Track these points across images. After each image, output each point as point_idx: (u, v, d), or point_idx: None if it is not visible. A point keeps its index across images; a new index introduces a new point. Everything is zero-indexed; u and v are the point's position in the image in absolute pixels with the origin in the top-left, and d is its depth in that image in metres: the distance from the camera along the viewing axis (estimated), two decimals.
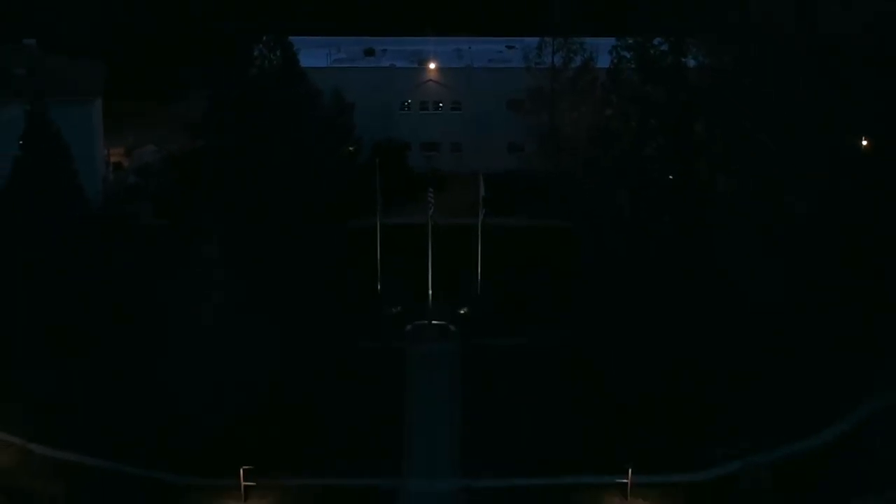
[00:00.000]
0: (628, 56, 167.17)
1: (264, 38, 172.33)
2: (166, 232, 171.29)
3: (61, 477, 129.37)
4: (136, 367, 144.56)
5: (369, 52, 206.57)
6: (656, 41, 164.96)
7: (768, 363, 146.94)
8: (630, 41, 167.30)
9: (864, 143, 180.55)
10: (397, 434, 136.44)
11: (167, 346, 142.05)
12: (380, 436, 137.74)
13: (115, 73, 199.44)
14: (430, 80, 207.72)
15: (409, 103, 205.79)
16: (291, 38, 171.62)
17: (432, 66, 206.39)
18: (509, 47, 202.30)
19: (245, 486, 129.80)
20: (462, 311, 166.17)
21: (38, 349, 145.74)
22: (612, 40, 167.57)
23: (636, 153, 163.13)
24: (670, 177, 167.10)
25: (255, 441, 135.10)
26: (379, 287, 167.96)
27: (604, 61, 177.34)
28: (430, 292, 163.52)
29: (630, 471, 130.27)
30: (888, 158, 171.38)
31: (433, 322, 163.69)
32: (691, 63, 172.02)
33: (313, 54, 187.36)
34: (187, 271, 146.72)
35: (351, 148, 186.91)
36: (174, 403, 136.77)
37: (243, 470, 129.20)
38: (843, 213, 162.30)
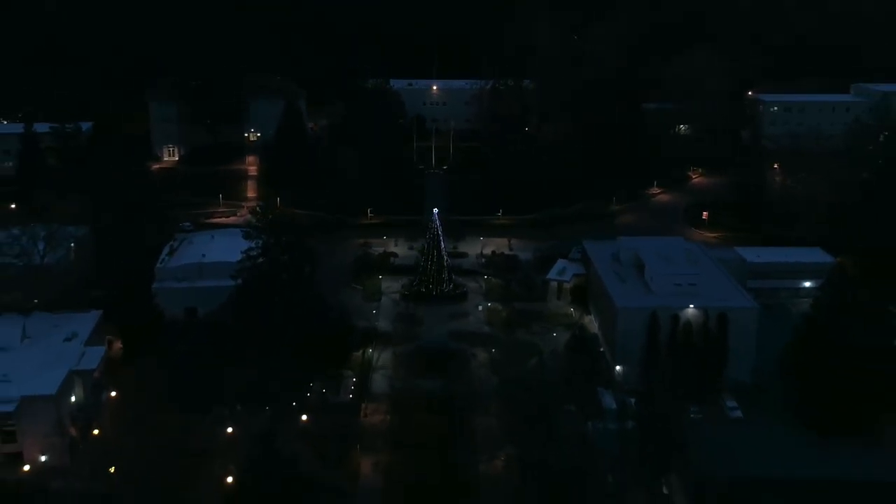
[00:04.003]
0: (510, 83, 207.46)
1: (372, 78, 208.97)
2: (331, 147, 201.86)
3: (305, 219, 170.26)
4: (319, 188, 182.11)
5: (409, 84, 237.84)
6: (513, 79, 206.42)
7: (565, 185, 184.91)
8: (506, 80, 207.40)
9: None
10: (421, 202, 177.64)
11: (333, 181, 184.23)
12: (416, 202, 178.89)
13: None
14: (435, 93, 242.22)
15: (425, 102, 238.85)
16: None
17: (435, 87, 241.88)
18: (466, 82, 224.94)
19: (370, 216, 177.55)
20: (444, 168, 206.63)
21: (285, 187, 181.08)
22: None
23: (511, 121, 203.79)
24: (526, 129, 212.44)
25: (371, 202, 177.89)
26: (415, 160, 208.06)
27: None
28: (433, 162, 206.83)
29: (501, 211, 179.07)
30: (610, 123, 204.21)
31: (434, 170, 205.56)
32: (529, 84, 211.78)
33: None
34: (344, 158, 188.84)
35: (401, 120, 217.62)
36: (342, 194, 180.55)
37: (368, 210, 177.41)
38: (593, 140, 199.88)
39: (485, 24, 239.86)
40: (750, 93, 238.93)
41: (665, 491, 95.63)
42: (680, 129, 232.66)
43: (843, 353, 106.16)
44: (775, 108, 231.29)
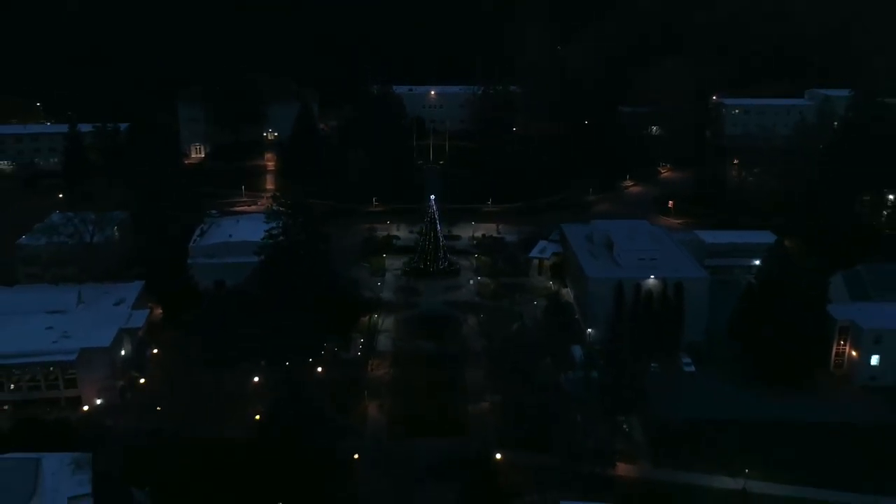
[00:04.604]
0: (499, 88, 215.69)
1: (378, 84, 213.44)
2: (338, 143, 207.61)
3: (318, 208, 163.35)
4: (330, 181, 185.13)
5: (410, 89, 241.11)
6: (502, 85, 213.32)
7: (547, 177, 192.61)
8: (496, 85, 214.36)
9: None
10: (421, 190, 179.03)
11: (342, 174, 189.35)
12: (412, 190, 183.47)
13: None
14: (433, 97, 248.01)
15: (424, 105, 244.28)
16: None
17: (433, 92, 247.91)
18: (460, 87, 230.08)
19: (375, 205, 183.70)
20: (441, 162, 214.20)
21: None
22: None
23: (498, 120, 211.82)
24: (514, 129, 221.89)
25: (376, 192, 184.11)
26: (415, 156, 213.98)
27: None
28: (431, 158, 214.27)
29: (490, 200, 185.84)
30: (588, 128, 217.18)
31: (432, 165, 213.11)
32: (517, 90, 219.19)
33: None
34: (352, 154, 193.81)
35: (402, 121, 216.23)
36: (350, 186, 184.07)
37: (374, 199, 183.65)
38: (573, 138, 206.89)
39: (478, 37, 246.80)
40: (714, 97, 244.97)
41: (625, 428, 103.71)
42: (652, 130, 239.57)
43: (779, 316, 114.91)
44: (736, 111, 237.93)
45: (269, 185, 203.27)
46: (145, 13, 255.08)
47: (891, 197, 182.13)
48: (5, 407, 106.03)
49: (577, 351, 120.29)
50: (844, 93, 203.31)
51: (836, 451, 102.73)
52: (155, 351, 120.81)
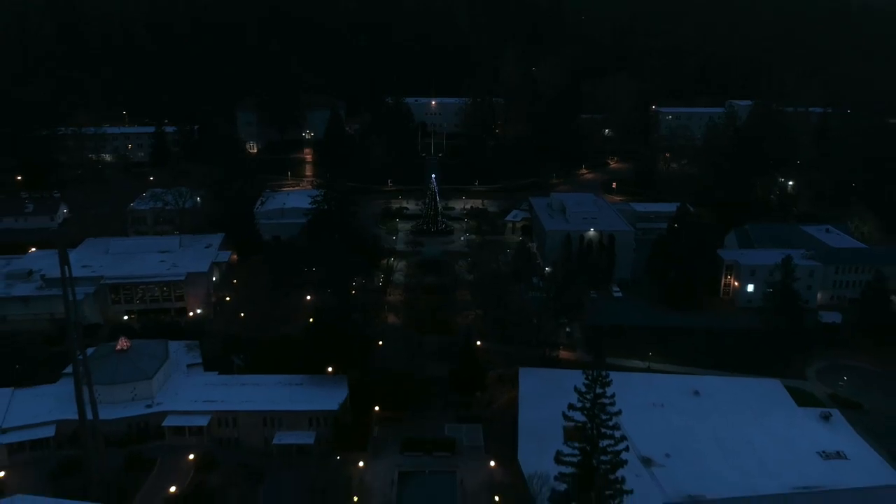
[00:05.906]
0: (487, 97, 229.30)
1: (391, 96, 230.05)
2: (360, 141, 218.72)
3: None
4: (355, 169, 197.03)
5: (416, 100, 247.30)
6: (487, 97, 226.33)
7: (520, 166, 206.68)
8: (481, 97, 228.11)
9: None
10: (422, 176, 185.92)
11: (364, 164, 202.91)
12: (418, 175, 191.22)
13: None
14: (433, 106, 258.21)
15: (427, 112, 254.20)
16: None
17: (433, 102, 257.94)
18: (455, 99, 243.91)
19: (389, 186, 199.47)
20: (439, 155, 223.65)
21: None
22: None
23: (484, 124, 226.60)
24: (496, 130, 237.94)
25: (390, 177, 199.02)
26: (419, 150, 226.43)
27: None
28: (431, 151, 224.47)
29: (476, 182, 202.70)
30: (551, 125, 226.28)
31: (432, 157, 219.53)
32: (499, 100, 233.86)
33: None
34: (370, 148, 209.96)
35: (410, 124, 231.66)
36: (370, 172, 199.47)
37: (389, 181, 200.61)
38: (541, 137, 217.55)
39: (469, 60, 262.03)
40: (653, 106, 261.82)
41: (568, 329, 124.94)
42: (604, 132, 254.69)
43: (681, 258, 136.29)
44: (669, 117, 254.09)
45: (308, 173, 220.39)
46: (212, 41, 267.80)
47: (781, 180, 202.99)
48: (133, 315, 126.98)
49: (536, 280, 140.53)
50: (749, 103, 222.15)
51: (714, 346, 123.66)
52: (234, 281, 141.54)
